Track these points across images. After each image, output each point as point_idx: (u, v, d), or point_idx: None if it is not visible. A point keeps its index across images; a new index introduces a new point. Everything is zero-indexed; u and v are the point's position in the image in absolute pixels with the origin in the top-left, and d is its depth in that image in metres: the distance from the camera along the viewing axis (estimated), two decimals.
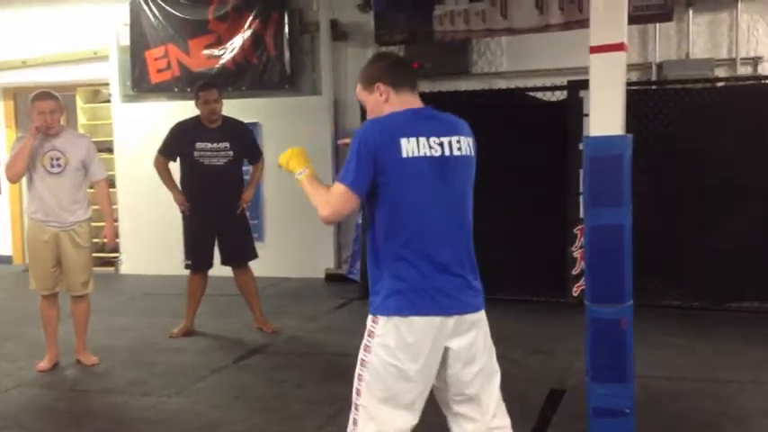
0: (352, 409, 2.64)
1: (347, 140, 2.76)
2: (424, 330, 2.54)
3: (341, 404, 4.38)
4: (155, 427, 4.25)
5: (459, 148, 2.65)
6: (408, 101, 2.70)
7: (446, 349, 2.61)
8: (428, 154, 2.57)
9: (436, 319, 2.56)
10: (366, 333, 2.61)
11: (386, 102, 2.69)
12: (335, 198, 2.58)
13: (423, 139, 2.57)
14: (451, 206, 2.63)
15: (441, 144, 2.60)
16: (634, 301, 3.72)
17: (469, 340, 2.63)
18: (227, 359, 5.49)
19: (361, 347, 2.62)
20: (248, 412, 4.41)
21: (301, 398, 4.64)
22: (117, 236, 5.50)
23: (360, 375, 2.61)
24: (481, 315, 2.70)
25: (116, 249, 8.89)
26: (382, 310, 2.58)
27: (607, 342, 3.66)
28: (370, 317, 2.62)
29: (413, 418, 2.60)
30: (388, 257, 2.59)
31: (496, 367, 2.75)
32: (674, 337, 5.71)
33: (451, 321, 2.58)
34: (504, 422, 2.75)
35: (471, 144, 2.72)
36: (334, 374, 5.03)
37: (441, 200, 2.60)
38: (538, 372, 4.97)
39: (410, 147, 2.55)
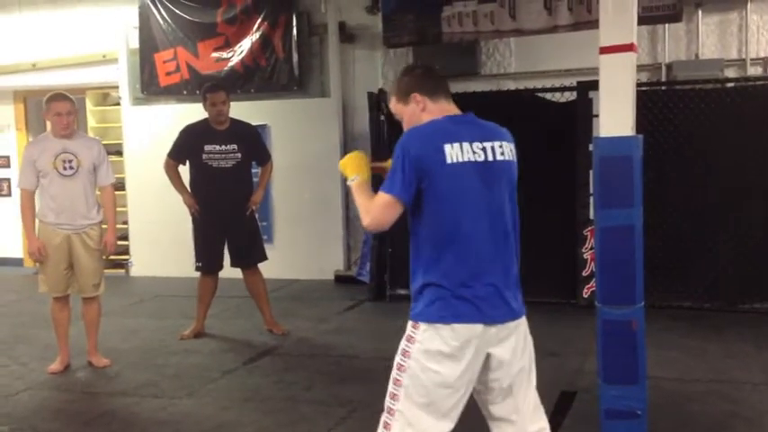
0: (386, 413, 2.61)
1: (381, 164, 2.79)
2: (466, 337, 2.53)
3: (351, 406, 4.40)
4: (165, 429, 4.26)
5: (503, 153, 2.65)
6: (445, 108, 2.71)
7: (488, 355, 2.61)
8: (472, 159, 2.57)
9: (478, 327, 2.55)
10: (405, 338, 2.60)
11: (423, 110, 2.69)
12: (377, 208, 2.57)
13: (466, 144, 2.57)
14: (496, 211, 2.62)
15: (483, 149, 2.60)
16: (645, 302, 3.71)
17: (510, 346, 2.63)
18: (237, 361, 5.50)
19: (399, 352, 2.60)
20: (258, 414, 4.42)
21: (311, 400, 4.65)
22: (116, 243, 5.48)
23: (397, 380, 2.58)
24: (522, 320, 2.70)
25: (122, 253, 8.93)
26: (424, 316, 2.57)
27: (618, 344, 3.65)
28: (410, 322, 2.60)
29: (450, 425, 2.60)
30: (431, 263, 2.58)
31: (534, 370, 2.76)
32: (686, 339, 5.69)
33: (493, 329, 2.58)
34: (541, 424, 2.76)
35: (513, 150, 2.72)
36: (344, 376, 5.03)
37: (485, 205, 2.59)
38: (549, 374, 4.91)
39: (454, 152, 2.55)
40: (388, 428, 2.60)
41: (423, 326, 2.56)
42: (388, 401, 2.61)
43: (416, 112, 2.70)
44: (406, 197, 2.54)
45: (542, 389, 4.49)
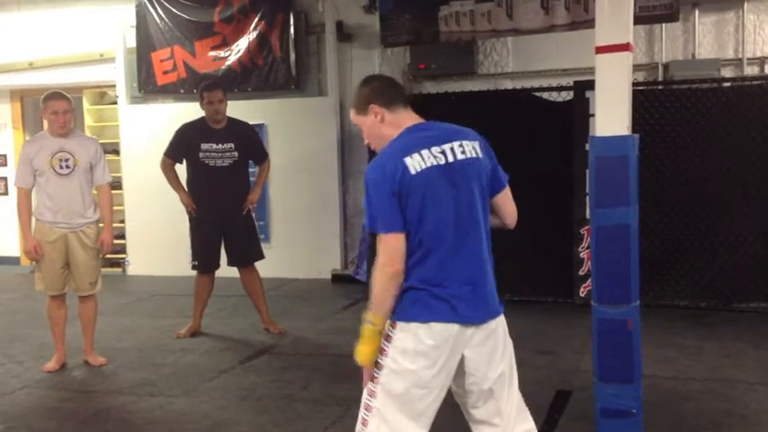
0: (363, 409, 2.65)
1: None
2: (443, 337, 2.55)
3: (347, 405, 4.40)
4: (162, 428, 4.26)
5: (464, 152, 2.65)
6: (403, 118, 2.72)
7: (464, 357, 2.62)
8: (434, 163, 2.59)
9: (454, 327, 2.57)
10: (384, 337, 2.62)
11: (381, 122, 2.71)
12: (388, 253, 2.54)
13: (425, 152, 2.60)
14: (466, 210, 2.63)
15: (443, 152, 2.62)
16: (641, 301, 3.72)
17: (488, 347, 2.64)
18: (233, 360, 5.50)
19: (380, 353, 2.62)
20: (255, 413, 4.42)
21: (308, 398, 4.65)
22: (113, 242, 5.47)
23: (375, 377, 2.62)
24: (500, 320, 2.70)
25: (119, 252, 8.93)
26: (401, 315, 2.59)
27: (614, 342, 3.66)
28: (388, 321, 2.62)
29: (423, 429, 2.61)
30: (409, 268, 2.59)
31: (515, 371, 2.76)
32: (682, 337, 5.70)
33: (469, 330, 2.60)
34: (526, 426, 2.75)
35: (478, 147, 2.71)
36: (341, 375, 5.03)
37: (455, 205, 2.60)
38: (545, 372, 4.96)
39: (415, 162, 2.57)
40: (365, 425, 2.63)
41: (400, 325, 2.59)
42: (365, 398, 2.65)
43: (375, 123, 2.72)
44: (399, 224, 2.55)
45: (538, 387, 4.52)
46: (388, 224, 2.54)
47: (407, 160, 2.57)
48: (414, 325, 2.56)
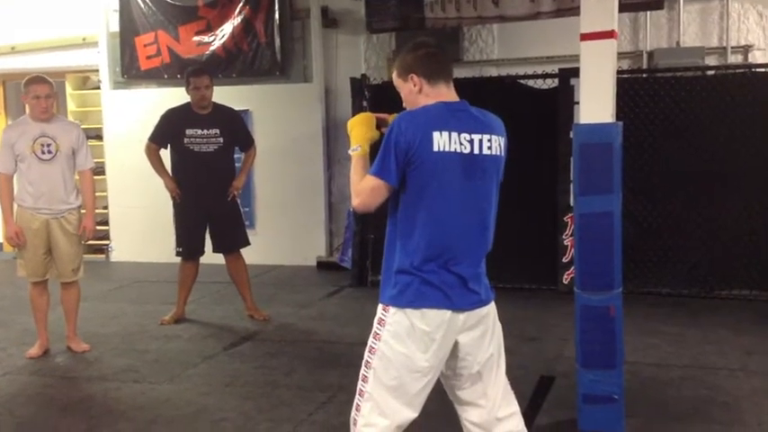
0: (357, 395, 2.65)
1: (385, 116, 2.79)
2: (436, 323, 2.56)
3: (332, 391, 4.41)
4: (145, 414, 4.25)
5: (490, 147, 2.64)
6: (442, 93, 2.67)
7: (457, 342, 2.63)
8: (458, 150, 2.57)
9: (447, 313, 2.57)
10: (376, 321, 2.63)
11: (419, 93, 2.68)
12: (366, 190, 2.59)
13: (454, 134, 2.57)
14: (474, 204, 2.62)
15: (471, 141, 2.59)
16: (624, 288, 3.75)
17: (479, 333, 2.66)
18: (218, 346, 5.50)
19: (371, 335, 2.63)
20: (239, 399, 4.42)
21: (292, 385, 4.65)
22: (95, 228, 5.45)
23: (368, 362, 2.62)
24: (491, 307, 2.72)
25: (102, 238, 8.89)
26: (395, 300, 2.59)
27: (596, 329, 3.69)
28: (380, 306, 2.63)
29: (414, 412, 2.62)
30: (405, 249, 2.59)
31: (503, 356, 2.78)
32: (664, 324, 5.74)
33: (462, 316, 2.60)
34: (510, 409, 2.76)
35: (502, 144, 2.71)
36: (325, 362, 5.05)
37: (464, 197, 2.59)
38: (528, 359, 4.99)
39: (442, 141, 2.54)
40: (358, 410, 2.64)
41: (393, 309, 2.59)
42: (359, 383, 2.65)
43: (413, 92, 2.69)
44: (394, 181, 2.55)
45: (522, 373, 4.55)
46: (384, 172, 2.54)
47: (435, 134, 2.53)
48: (408, 310, 2.56)
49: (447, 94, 2.69)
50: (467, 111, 2.68)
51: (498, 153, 2.68)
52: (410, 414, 2.62)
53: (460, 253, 2.60)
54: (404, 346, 2.56)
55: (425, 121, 2.57)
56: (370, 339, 2.63)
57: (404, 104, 2.77)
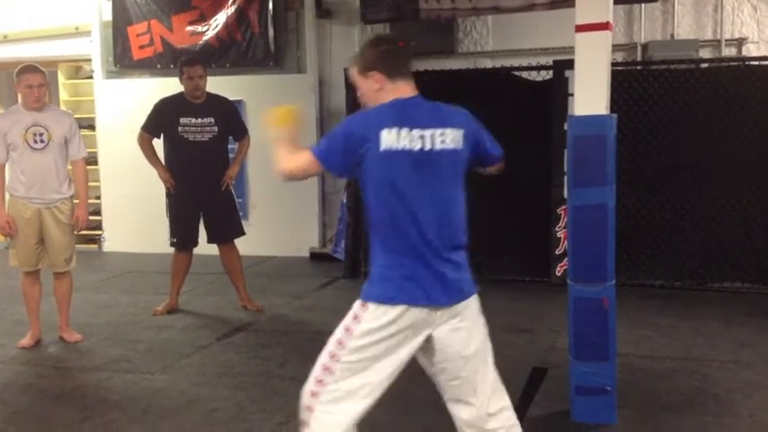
0: (314, 382, 2.62)
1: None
2: (411, 319, 2.56)
3: None
4: (137, 404, 4.25)
5: (443, 141, 2.61)
6: (401, 89, 2.66)
7: (433, 337, 2.62)
8: (407, 147, 2.55)
9: (424, 309, 2.57)
10: (351, 315, 2.61)
11: (379, 90, 2.66)
12: (298, 160, 2.68)
13: (404, 131, 2.55)
14: (433, 200, 2.60)
15: (422, 137, 2.57)
16: (617, 280, 3.75)
17: (458, 328, 2.64)
18: (211, 337, 5.49)
19: (342, 328, 2.62)
20: (232, 390, 4.42)
21: (285, 376, 4.65)
22: (88, 218, 5.43)
23: (335, 355, 2.59)
24: (470, 301, 2.69)
25: (95, 228, 8.86)
26: (372, 296, 2.59)
27: (589, 321, 3.69)
28: (358, 301, 2.62)
29: (372, 401, 2.62)
30: (379, 245, 2.61)
31: (490, 350, 2.75)
32: (657, 317, 5.76)
33: (439, 312, 2.59)
34: (501, 404, 2.74)
35: (461, 137, 2.66)
36: (318, 352, 5.01)
37: (421, 193, 2.58)
38: (521, 350, 5.00)
39: (390, 138, 2.53)
40: (316, 396, 2.61)
41: (371, 306, 2.57)
42: (320, 373, 2.61)
43: (372, 89, 2.68)
44: (329, 162, 2.62)
45: (514, 365, 4.56)
46: (323, 151, 2.62)
47: (383, 133, 2.53)
48: (384, 307, 2.55)
49: (405, 89, 2.67)
50: (420, 106, 2.65)
51: (457, 146, 2.64)
52: (368, 403, 2.60)
53: (430, 248, 2.58)
54: (375, 343, 2.55)
55: (375, 119, 2.58)
56: (342, 332, 2.60)
57: (361, 100, 2.75)
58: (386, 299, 2.56)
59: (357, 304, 2.62)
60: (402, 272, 2.56)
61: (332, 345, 2.62)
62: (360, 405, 2.59)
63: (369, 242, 2.71)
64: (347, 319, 2.62)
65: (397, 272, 2.57)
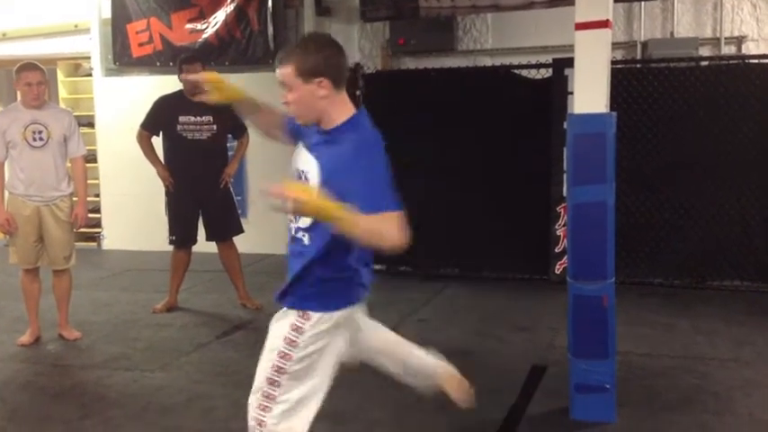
0: (263, 397, 2.57)
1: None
2: (347, 319, 2.62)
3: None
4: (137, 402, 4.25)
5: None
6: (345, 100, 2.51)
7: (359, 328, 2.77)
8: None
9: (355, 308, 2.66)
10: (291, 327, 2.55)
11: (324, 98, 2.44)
12: (396, 224, 2.26)
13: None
14: None
15: None
16: (616, 278, 3.75)
17: (362, 313, 2.78)
18: (210, 335, 5.49)
19: (283, 340, 2.55)
20: (231, 388, 4.41)
21: None
22: (87, 216, 5.43)
23: (280, 368, 2.54)
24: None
25: (94, 226, 8.86)
26: (318, 306, 2.55)
27: (589, 319, 3.70)
28: (296, 312, 2.56)
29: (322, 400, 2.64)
30: (325, 256, 2.53)
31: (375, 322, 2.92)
32: (656, 315, 5.76)
33: (357, 306, 2.69)
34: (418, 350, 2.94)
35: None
36: None
37: None
38: (520, 348, 5.00)
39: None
40: (266, 411, 2.55)
41: (315, 315, 2.54)
42: (266, 387, 2.56)
43: (315, 96, 2.44)
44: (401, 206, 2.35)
45: (513, 363, 4.56)
46: (396, 203, 2.31)
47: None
48: (327, 314, 2.55)
49: (348, 101, 2.51)
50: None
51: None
52: (320, 403, 2.60)
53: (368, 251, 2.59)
54: (322, 350, 2.57)
55: (381, 141, 2.46)
56: (284, 345, 2.54)
57: (286, 104, 2.53)
58: (334, 307, 2.59)
59: (295, 315, 2.61)
60: (353, 277, 2.62)
61: (275, 357, 2.59)
62: (315, 408, 2.60)
63: (296, 247, 2.77)
64: (287, 331, 2.61)
65: (350, 278, 2.61)
